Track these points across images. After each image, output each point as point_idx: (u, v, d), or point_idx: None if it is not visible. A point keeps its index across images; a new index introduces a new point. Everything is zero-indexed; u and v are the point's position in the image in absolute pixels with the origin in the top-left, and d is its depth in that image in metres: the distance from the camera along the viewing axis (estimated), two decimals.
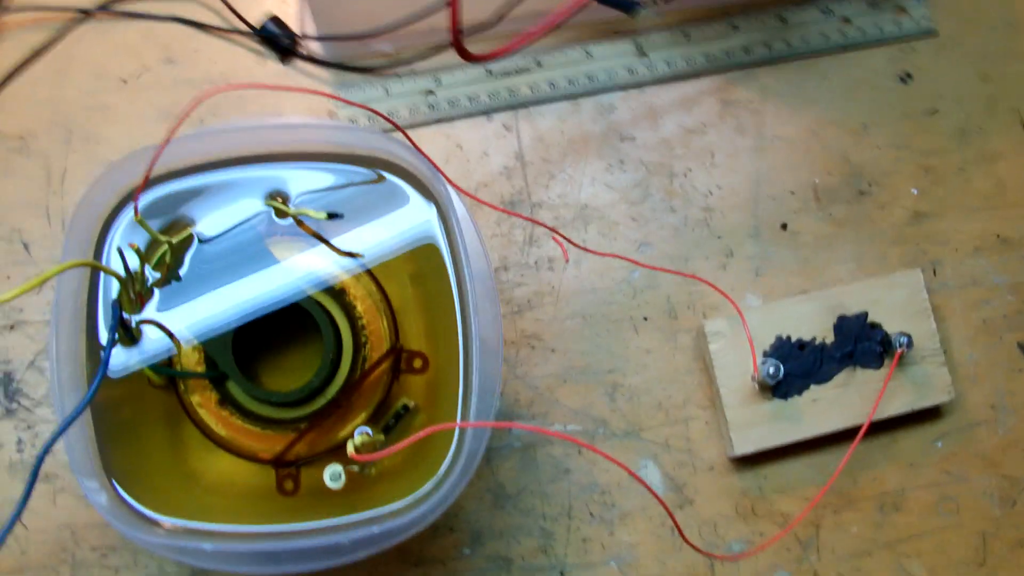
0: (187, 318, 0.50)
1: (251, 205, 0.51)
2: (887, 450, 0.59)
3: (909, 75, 0.63)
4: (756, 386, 0.57)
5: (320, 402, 0.50)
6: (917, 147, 0.62)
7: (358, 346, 0.51)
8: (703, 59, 0.61)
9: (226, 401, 0.50)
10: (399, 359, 0.51)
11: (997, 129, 0.63)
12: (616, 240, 0.60)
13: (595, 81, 0.61)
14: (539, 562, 0.57)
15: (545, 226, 0.59)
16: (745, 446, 0.56)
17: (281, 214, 0.51)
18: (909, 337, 0.56)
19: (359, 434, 0.48)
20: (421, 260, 0.51)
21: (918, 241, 0.61)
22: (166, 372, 0.50)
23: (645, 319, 0.59)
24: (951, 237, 0.61)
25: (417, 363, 0.51)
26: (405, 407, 0.50)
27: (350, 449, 0.46)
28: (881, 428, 0.59)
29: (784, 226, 0.61)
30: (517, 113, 0.61)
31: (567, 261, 0.60)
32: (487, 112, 0.60)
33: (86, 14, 0.60)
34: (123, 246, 0.49)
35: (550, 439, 0.58)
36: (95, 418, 0.49)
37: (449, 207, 0.49)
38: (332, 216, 0.49)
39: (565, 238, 0.59)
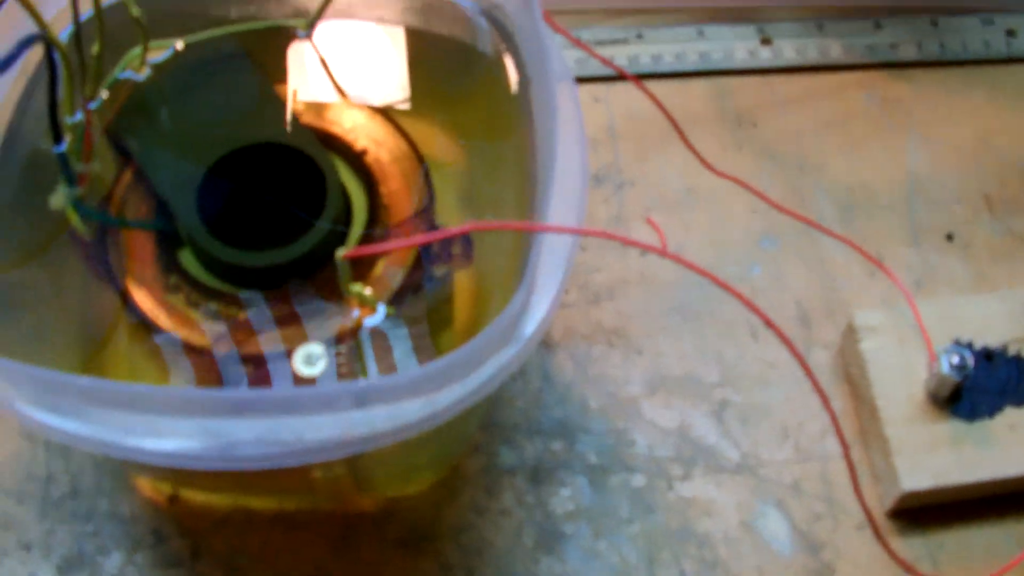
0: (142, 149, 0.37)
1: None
2: None
3: None
4: (930, 395, 0.40)
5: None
6: None
7: (374, 215, 0.36)
8: (840, 51, 0.50)
9: (173, 274, 0.36)
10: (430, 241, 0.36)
11: None
12: (731, 231, 0.46)
13: (708, 60, 0.50)
14: None
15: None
16: (917, 479, 0.39)
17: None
18: None
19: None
20: (477, 112, 0.38)
21: None
22: (100, 218, 0.35)
23: (767, 325, 0.44)
24: None
25: (456, 249, 0.36)
26: (430, 278, 0.35)
27: (339, 253, 0.30)
28: None
29: (950, 236, 0.46)
30: (611, 85, 0.49)
31: (664, 249, 0.45)
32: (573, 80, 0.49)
33: None
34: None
35: (628, 464, 0.41)
36: None
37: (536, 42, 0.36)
38: None
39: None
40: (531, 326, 0.31)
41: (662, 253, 0.36)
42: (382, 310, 0.34)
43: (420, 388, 0.29)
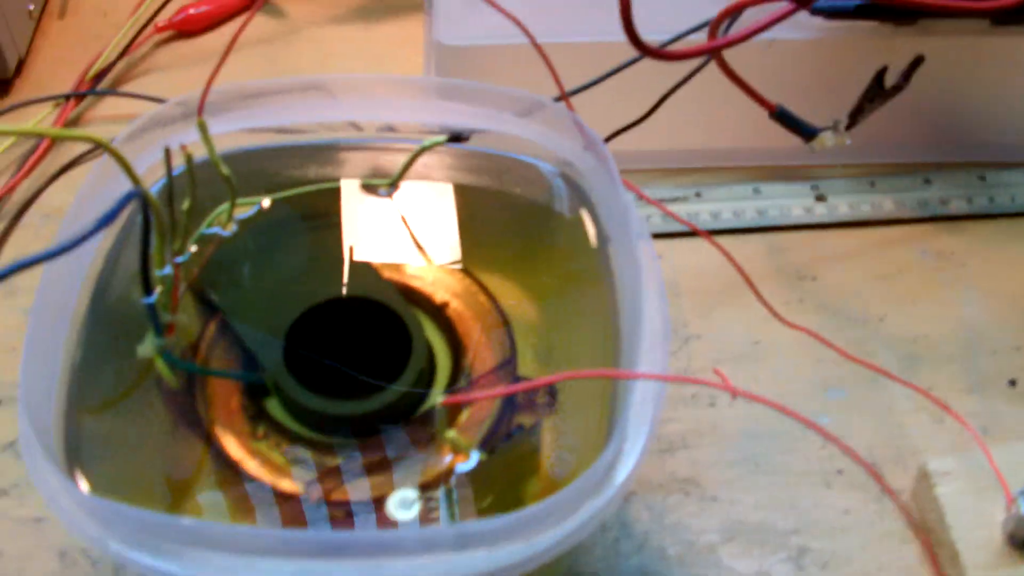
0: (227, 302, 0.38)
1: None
2: None
3: None
4: (1008, 537, 0.40)
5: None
6: None
7: (458, 366, 0.37)
8: (892, 206, 0.52)
9: (261, 423, 0.36)
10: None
11: None
12: (795, 383, 0.47)
13: (766, 217, 0.51)
14: None
15: None
16: None
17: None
18: None
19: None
20: (554, 268, 0.40)
21: None
22: (187, 367, 0.37)
23: (839, 472, 0.44)
24: None
25: (541, 398, 0.37)
26: (519, 427, 0.35)
27: (438, 398, 0.31)
28: None
29: (1013, 382, 0.47)
30: (671, 241, 0.51)
31: (734, 397, 0.46)
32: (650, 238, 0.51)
33: None
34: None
35: None
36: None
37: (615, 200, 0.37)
38: (456, 139, 0.38)
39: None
40: (623, 474, 0.32)
41: (757, 398, 0.37)
42: (475, 456, 0.34)
43: (519, 532, 0.30)
